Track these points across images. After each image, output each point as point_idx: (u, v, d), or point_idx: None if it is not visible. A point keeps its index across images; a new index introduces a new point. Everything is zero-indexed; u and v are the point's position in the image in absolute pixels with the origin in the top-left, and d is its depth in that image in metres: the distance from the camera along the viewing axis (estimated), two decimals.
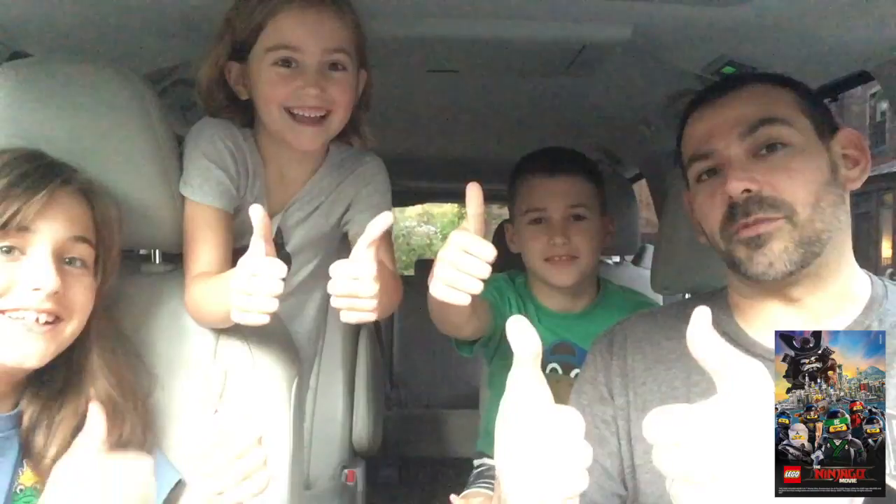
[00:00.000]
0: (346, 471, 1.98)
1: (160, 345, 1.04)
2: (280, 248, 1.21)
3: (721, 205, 0.89)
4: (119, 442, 0.89)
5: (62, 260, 0.87)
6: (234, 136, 1.12)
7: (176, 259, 1.12)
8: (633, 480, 0.94)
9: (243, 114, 1.15)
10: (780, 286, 0.89)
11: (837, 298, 0.90)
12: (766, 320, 0.92)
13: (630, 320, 1.05)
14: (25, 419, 0.88)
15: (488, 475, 1.56)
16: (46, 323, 0.84)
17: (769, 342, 0.89)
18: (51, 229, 0.85)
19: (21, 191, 0.83)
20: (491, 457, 1.60)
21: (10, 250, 0.83)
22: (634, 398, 0.95)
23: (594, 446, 0.93)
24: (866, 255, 15.52)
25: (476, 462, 1.65)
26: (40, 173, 0.86)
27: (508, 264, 1.49)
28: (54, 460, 0.84)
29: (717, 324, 0.94)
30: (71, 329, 0.87)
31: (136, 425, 0.92)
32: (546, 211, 1.40)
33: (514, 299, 1.47)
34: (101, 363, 0.91)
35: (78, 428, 0.84)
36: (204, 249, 1.05)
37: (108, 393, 0.90)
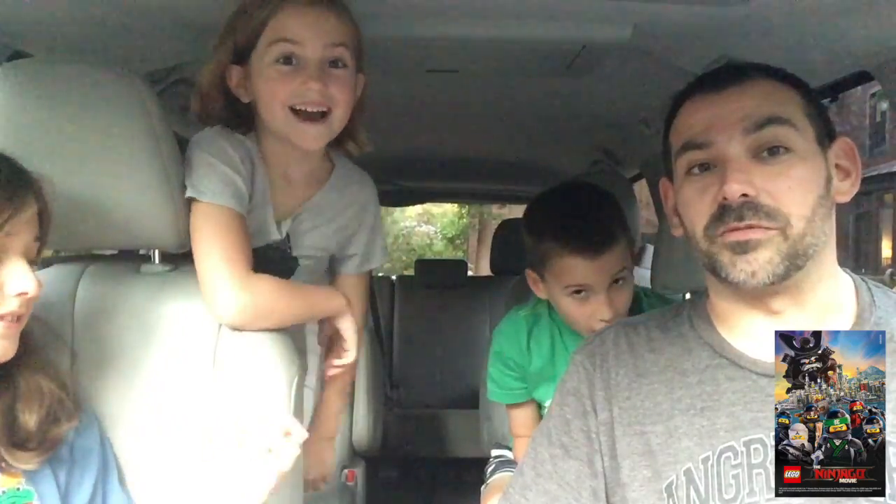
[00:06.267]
0: (346, 471, 1.98)
1: (159, 345, 1.04)
2: (289, 256, 1.22)
3: (711, 204, 0.84)
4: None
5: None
6: (236, 142, 1.12)
7: (175, 259, 1.11)
8: (617, 498, 0.90)
9: (238, 119, 1.15)
10: (760, 296, 0.86)
11: (821, 310, 0.87)
12: (748, 331, 0.89)
13: (612, 330, 1.00)
14: None
15: (508, 464, 1.62)
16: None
17: (754, 353, 0.87)
18: (23, 231, 0.83)
19: (6, 198, 0.81)
20: (507, 448, 1.68)
21: None
22: (620, 413, 0.92)
23: (582, 465, 0.94)
24: (866, 255, 15.53)
25: (494, 452, 1.71)
26: (17, 178, 0.84)
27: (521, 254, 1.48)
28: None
29: (700, 334, 0.93)
30: (23, 325, 0.86)
31: (61, 413, 0.90)
32: (590, 286, 1.32)
33: (537, 336, 1.46)
34: (28, 357, 0.89)
35: (6, 426, 0.84)
36: (235, 249, 1.04)
37: (37, 385, 0.88)
